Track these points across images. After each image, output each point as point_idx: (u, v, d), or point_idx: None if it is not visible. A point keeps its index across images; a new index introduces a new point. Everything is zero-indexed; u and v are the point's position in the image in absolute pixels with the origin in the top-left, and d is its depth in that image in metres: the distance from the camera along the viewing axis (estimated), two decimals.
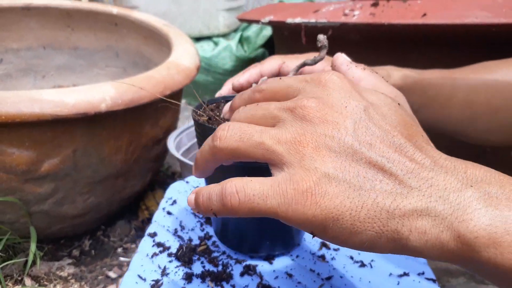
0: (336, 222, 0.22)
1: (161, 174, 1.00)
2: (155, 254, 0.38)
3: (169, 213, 0.44)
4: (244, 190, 0.23)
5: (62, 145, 0.62)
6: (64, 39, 1.01)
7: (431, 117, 0.49)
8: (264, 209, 0.23)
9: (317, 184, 0.22)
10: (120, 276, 0.69)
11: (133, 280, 0.35)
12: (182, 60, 0.79)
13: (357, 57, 0.76)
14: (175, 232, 0.41)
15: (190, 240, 0.40)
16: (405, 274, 0.38)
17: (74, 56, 1.04)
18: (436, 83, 0.48)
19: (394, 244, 0.22)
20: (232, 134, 0.24)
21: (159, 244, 0.39)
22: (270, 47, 1.32)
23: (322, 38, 0.33)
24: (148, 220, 0.85)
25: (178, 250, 0.38)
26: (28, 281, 0.66)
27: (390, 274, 0.37)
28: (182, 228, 0.42)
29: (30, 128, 0.58)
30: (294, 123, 0.24)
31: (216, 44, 1.24)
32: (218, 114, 0.35)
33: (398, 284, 0.36)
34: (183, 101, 1.19)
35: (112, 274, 0.70)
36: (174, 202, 0.46)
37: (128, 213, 0.86)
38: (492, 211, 0.21)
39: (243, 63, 1.21)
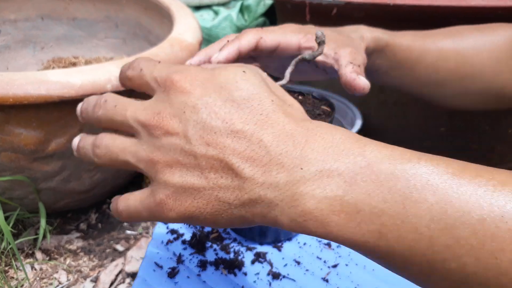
0: (193, 218, 0.26)
1: None
2: (169, 242, 0.40)
3: None
4: (127, 209, 0.28)
5: (68, 124, 0.63)
6: (63, 9, 0.99)
7: (399, 80, 0.50)
8: (142, 219, 0.28)
9: (168, 195, 0.26)
10: (128, 249, 0.72)
11: (151, 267, 0.37)
12: (185, 35, 0.78)
13: None
14: None
15: (202, 226, 0.42)
16: None
17: (73, 27, 1.03)
18: (406, 46, 0.48)
19: (249, 224, 0.26)
20: (103, 154, 0.29)
21: (172, 231, 0.41)
22: (271, 16, 1.30)
23: (320, 34, 0.34)
24: None
25: (192, 238, 0.40)
26: (39, 255, 0.69)
27: None
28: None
29: (37, 109, 0.59)
30: (147, 137, 0.27)
31: (216, 13, 1.22)
32: None
33: None
34: None
35: (119, 247, 0.72)
36: None
37: (133, 186, 0.88)
38: (319, 192, 0.22)
39: None
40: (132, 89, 0.32)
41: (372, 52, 0.46)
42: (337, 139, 0.24)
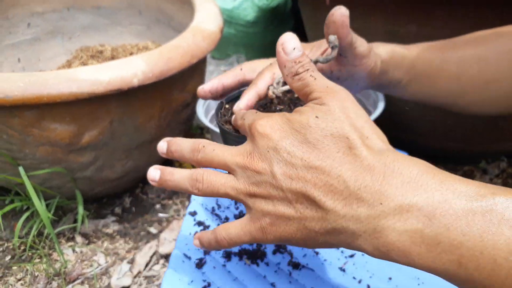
0: (286, 241, 0.30)
1: (190, 133, 1.04)
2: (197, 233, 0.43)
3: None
4: (229, 236, 0.33)
5: (99, 117, 0.66)
6: None
7: (420, 92, 0.49)
8: (243, 243, 0.32)
9: (266, 222, 0.30)
10: (160, 231, 0.76)
11: (180, 258, 0.40)
12: (206, 24, 0.80)
13: (381, 17, 0.76)
14: (213, 211, 0.46)
15: (227, 218, 0.44)
16: None
17: (98, 15, 1.05)
18: (424, 57, 0.48)
19: (336, 247, 0.29)
20: (205, 187, 0.33)
21: (199, 223, 0.44)
22: None
23: (333, 39, 0.35)
24: None
25: None
26: (79, 239, 0.74)
27: None
28: (219, 206, 0.46)
29: (69, 105, 0.62)
30: (243, 175, 0.31)
31: None
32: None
33: None
34: (207, 55, 1.20)
35: (153, 230, 0.77)
36: None
37: None
38: (400, 225, 0.25)
39: (265, 13, 1.19)
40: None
41: (389, 65, 0.46)
42: (415, 174, 0.26)
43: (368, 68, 0.42)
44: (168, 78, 0.69)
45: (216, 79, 0.44)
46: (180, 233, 0.42)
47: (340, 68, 0.42)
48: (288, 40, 0.32)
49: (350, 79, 0.43)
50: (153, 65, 0.65)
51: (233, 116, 0.37)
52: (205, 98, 0.45)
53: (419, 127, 0.85)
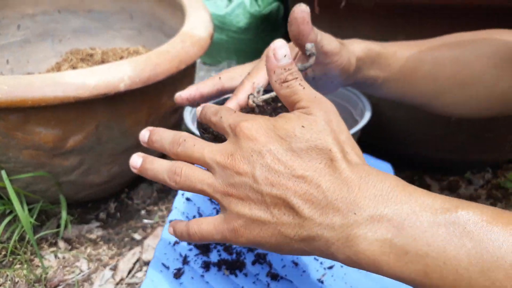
0: (260, 245, 0.30)
1: None
2: (176, 243, 0.42)
3: (188, 199, 0.48)
4: (200, 231, 0.33)
5: (85, 122, 0.66)
6: (79, 1, 1.02)
7: (396, 90, 0.50)
8: (214, 240, 0.32)
9: (240, 224, 0.30)
10: (145, 238, 0.75)
11: (158, 268, 0.40)
12: (196, 30, 0.80)
13: (371, 25, 0.76)
14: None
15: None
16: None
17: (89, 19, 1.05)
18: (401, 56, 0.48)
19: (308, 255, 0.29)
20: (183, 181, 0.33)
21: None
22: (286, 0, 1.29)
23: (310, 46, 0.35)
24: None
25: None
26: (61, 244, 0.73)
27: None
28: (200, 215, 0.46)
29: (55, 109, 0.61)
30: (222, 174, 0.31)
31: (229, 0, 1.22)
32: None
33: None
34: (198, 61, 1.20)
35: (137, 236, 0.76)
36: None
37: None
38: (370, 235, 0.26)
39: (257, 20, 1.20)
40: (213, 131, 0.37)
41: (364, 63, 0.46)
42: (386, 188, 0.27)
43: (340, 66, 0.42)
44: (156, 84, 0.69)
45: (194, 87, 0.44)
46: (159, 242, 0.42)
47: (313, 68, 0.42)
48: (280, 47, 0.33)
49: (324, 77, 0.43)
50: (140, 70, 0.65)
51: (199, 110, 0.37)
52: (182, 104, 0.45)
53: (406, 138, 0.85)
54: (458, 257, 0.24)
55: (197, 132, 0.79)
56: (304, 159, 0.29)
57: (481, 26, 0.66)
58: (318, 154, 0.29)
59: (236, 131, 0.31)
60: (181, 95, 0.44)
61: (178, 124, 0.88)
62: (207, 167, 0.32)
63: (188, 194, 0.48)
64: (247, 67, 0.45)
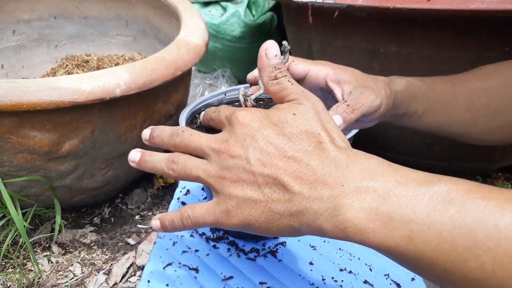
0: (250, 225, 0.32)
1: None
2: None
3: (183, 203, 0.48)
4: (193, 214, 0.34)
5: (80, 126, 0.66)
6: (74, 8, 1.02)
7: (434, 121, 0.53)
8: (206, 224, 0.33)
9: (232, 205, 0.32)
10: (139, 243, 0.75)
11: (153, 272, 0.40)
12: (192, 37, 0.80)
13: (363, 36, 0.77)
14: None
15: (203, 233, 0.44)
16: None
17: (85, 25, 1.06)
18: (437, 88, 0.51)
19: (296, 233, 0.31)
20: (179, 169, 0.35)
21: (174, 243, 0.44)
22: (279, 10, 1.30)
23: (286, 43, 0.37)
24: (163, 188, 0.90)
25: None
26: (55, 248, 0.73)
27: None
28: None
29: (50, 113, 0.62)
30: (217, 159, 0.33)
31: (224, 9, 1.23)
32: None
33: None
34: (193, 68, 1.21)
35: (131, 241, 0.76)
36: (188, 192, 0.50)
37: (144, 181, 0.91)
38: (357, 204, 0.28)
39: (251, 29, 1.21)
40: (213, 126, 0.39)
41: (405, 97, 0.49)
42: (373, 164, 0.29)
43: (382, 114, 0.46)
44: (151, 89, 0.69)
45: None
46: (154, 246, 0.42)
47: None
48: (271, 47, 0.35)
49: (364, 119, 0.47)
50: (136, 76, 0.65)
51: (202, 113, 0.39)
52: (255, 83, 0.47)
53: (398, 145, 0.86)
54: (442, 221, 0.25)
55: None
56: (295, 142, 0.31)
57: (468, 35, 0.68)
58: (308, 138, 0.31)
59: (231, 120, 0.33)
60: (253, 73, 0.47)
61: None
62: (203, 155, 0.34)
63: (183, 199, 0.48)
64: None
